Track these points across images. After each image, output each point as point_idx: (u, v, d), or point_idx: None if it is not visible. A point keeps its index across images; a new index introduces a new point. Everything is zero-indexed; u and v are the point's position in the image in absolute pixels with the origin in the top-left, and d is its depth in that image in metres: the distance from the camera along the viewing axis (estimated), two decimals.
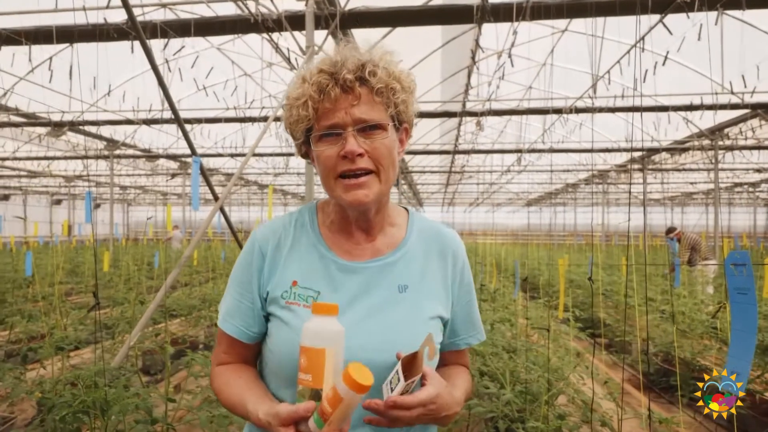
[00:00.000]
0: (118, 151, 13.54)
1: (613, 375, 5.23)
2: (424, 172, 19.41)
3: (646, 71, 5.47)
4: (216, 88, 9.36)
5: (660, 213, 28.10)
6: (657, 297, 6.63)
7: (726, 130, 10.81)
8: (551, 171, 17.56)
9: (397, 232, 1.17)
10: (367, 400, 0.91)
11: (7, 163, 15.69)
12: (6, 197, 23.31)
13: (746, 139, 11.15)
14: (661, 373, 4.75)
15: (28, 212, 24.53)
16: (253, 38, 7.44)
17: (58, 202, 27.12)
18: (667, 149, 12.45)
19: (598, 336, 5.67)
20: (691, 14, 4.40)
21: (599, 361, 5.41)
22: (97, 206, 27.73)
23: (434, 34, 8.75)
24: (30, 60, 5.17)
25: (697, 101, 8.31)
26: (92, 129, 11.42)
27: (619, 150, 12.72)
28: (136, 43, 4.04)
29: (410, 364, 0.97)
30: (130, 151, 14.06)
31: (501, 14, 4.77)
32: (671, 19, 4.66)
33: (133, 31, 3.32)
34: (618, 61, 7.90)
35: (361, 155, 1.02)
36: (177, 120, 3.85)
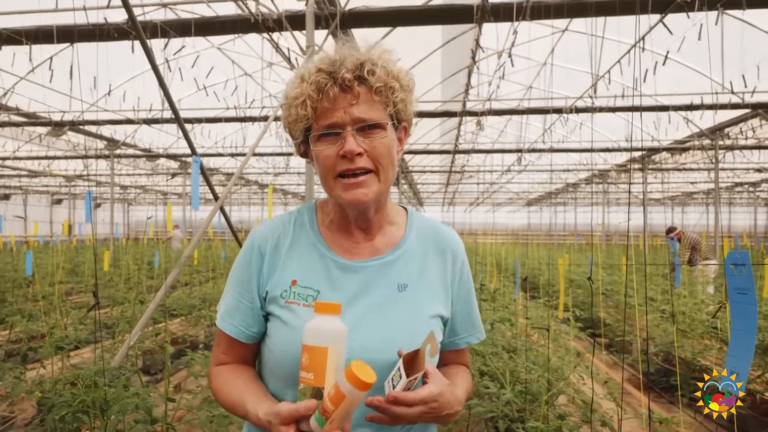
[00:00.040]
0: (118, 151, 13.55)
1: (614, 375, 5.23)
2: (425, 171, 19.41)
3: (647, 71, 5.47)
4: (216, 88, 9.36)
5: (660, 213, 28.10)
6: (657, 297, 6.63)
7: (726, 130, 10.81)
8: (551, 171, 17.55)
9: (396, 231, 1.17)
10: (369, 397, 0.91)
11: (8, 162, 15.70)
12: (6, 197, 23.33)
13: (746, 138, 11.15)
14: (661, 373, 4.75)
15: (28, 212, 24.54)
16: (253, 38, 7.44)
17: (59, 201, 27.13)
18: (667, 149, 12.45)
19: (598, 336, 5.67)
20: (691, 14, 4.40)
21: (599, 361, 5.40)
22: (98, 206, 27.76)
23: (434, 33, 8.76)
24: (30, 60, 5.17)
25: (697, 101, 8.31)
26: (92, 129, 11.43)
27: (619, 150, 12.72)
28: (137, 43, 4.04)
29: (412, 361, 0.97)
30: (131, 151, 14.07)
31: (501, 14, 4.77)
32: (671, 18, 4.66)
33: (133, 30, 3.32)
34: (618, 61, 7.90)
35: (360, 155, 1.02)
36: (177, 120, 3.85)
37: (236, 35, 7.07)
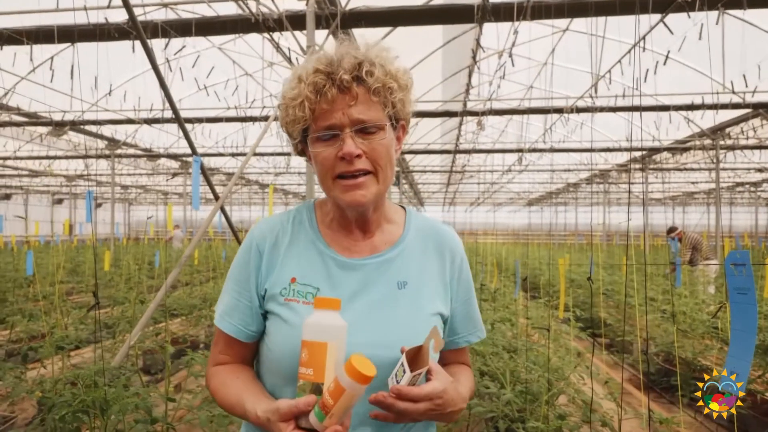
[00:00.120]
0: (119, 151, 13.56)
1: (614, 375, 5.23)
2: (425, 171, 19.41)
3: (647, 71, 5.46)
4: (217, 88, 9.36)
5: (661, 213, 28.07)
6: (658, 297, 6.62)
7: (727, 130, 10.81)
8: (552, 170, 17.55)
9: (394, 229, 1.17)
10: (372, 394, 0.91)
11: (9, 162, 15.71)
12: (7, 196, 23.34)
13: (747, 138, 11.14)
14: (661, 373, 4.74)
15: (29, 212, 24.57)
16: (254, 38, 7.45)
17: (60, 201, 27.16)
18: (668, 149, 12.44)
19: (598, 336, 5.67)
20: (692, 14, 4.40)
21: (600, 361, 5.40)
22: (98, 206, 27.76)
23: (435, 33, 8.76)
24: (31, 60, 5.17)
25: (698, 101, 8.30)
26: (93, 128, 11.44)
27: (620, 149, 12.71)
28: (137, 43, 4.04)
29: (415, 357, 0.96)
30: (131, 151, 14.08)
31: (502, 14, 4.77)
32: (672, 18, 4.65)
33: (134, 30, 3.32)
34: (619, 61, 7.90)
35: (359, 156, 1.02)
36: (178, 119, 3.85)
37: (237, 35, 7.08)
